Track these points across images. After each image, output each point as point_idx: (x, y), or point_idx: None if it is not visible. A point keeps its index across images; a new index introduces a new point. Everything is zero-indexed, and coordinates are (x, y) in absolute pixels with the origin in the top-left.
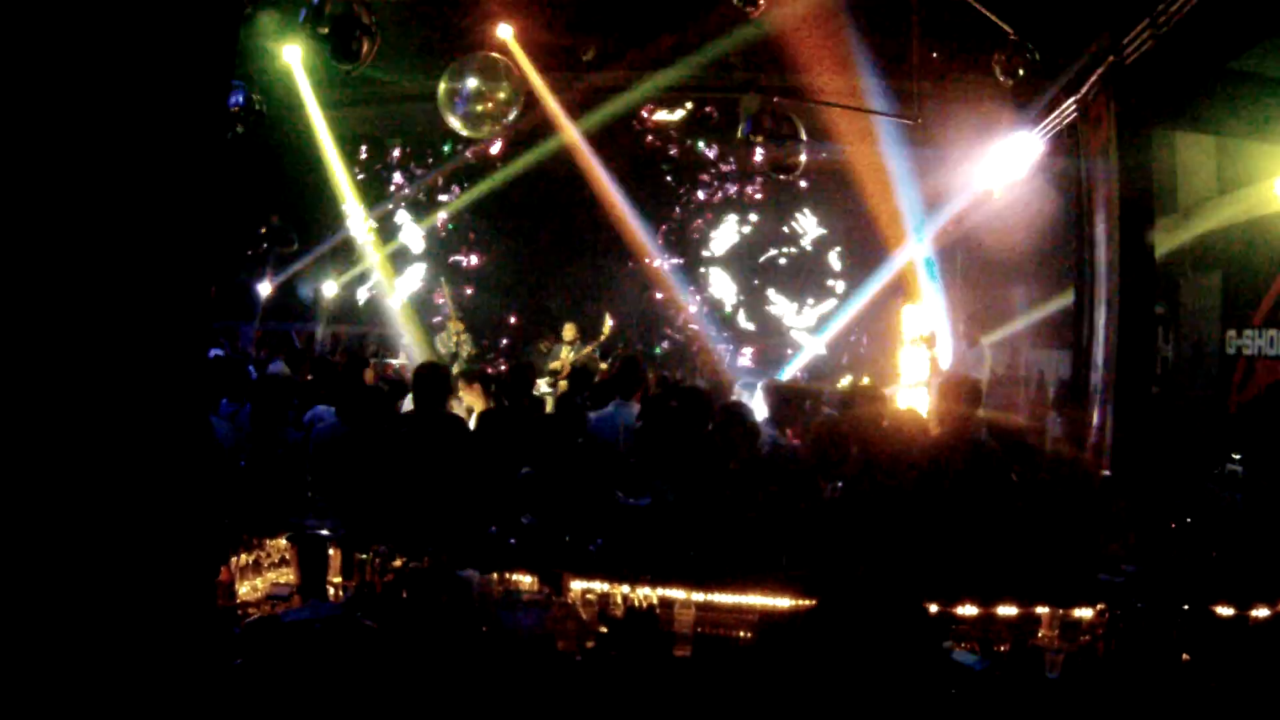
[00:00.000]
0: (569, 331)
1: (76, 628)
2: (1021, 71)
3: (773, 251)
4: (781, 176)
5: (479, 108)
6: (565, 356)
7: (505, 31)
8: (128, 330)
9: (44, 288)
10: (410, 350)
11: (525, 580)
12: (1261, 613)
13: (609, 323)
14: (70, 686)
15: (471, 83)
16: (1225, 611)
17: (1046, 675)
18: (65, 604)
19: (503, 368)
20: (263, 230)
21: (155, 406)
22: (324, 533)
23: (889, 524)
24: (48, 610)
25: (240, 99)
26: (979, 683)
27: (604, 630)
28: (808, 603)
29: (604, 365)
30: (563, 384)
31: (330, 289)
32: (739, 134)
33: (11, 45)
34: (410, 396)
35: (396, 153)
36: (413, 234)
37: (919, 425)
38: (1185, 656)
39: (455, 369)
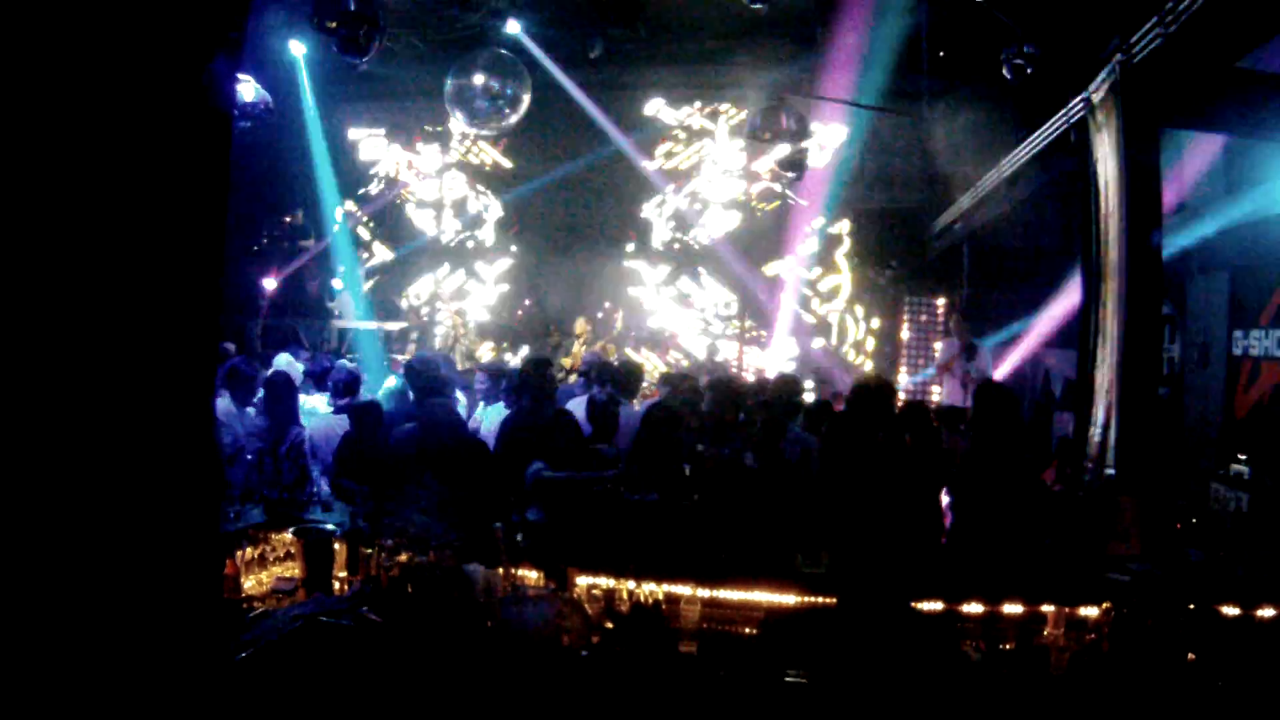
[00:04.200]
0: (580, 327)
1: (82, 619)
2: (1028, 70)
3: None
4: (790, 174)
5: (486, 104)
6: (576, 352)
7: (514, 27)
8: (135, 324)
9: (54, 283)
10: (418, 345)
11: (531, 576)
12: (1267, 613)
13: (620, 317)
14: (77, 678)
15: (479, 79)
16: (1231, 611)
17: (1052, 673)
18: (70, 596)
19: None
20: (285, 222)
21: (160, 400)
22: (329, 527)
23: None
24: (53, 603)
25: (250, 94)
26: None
27: (609, 626)
28: (814, 600)
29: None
30: (573, 379)
31: (336, 284)
32: (747, 130)
33: (19, 42)
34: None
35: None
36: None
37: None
38: (1191, 656)
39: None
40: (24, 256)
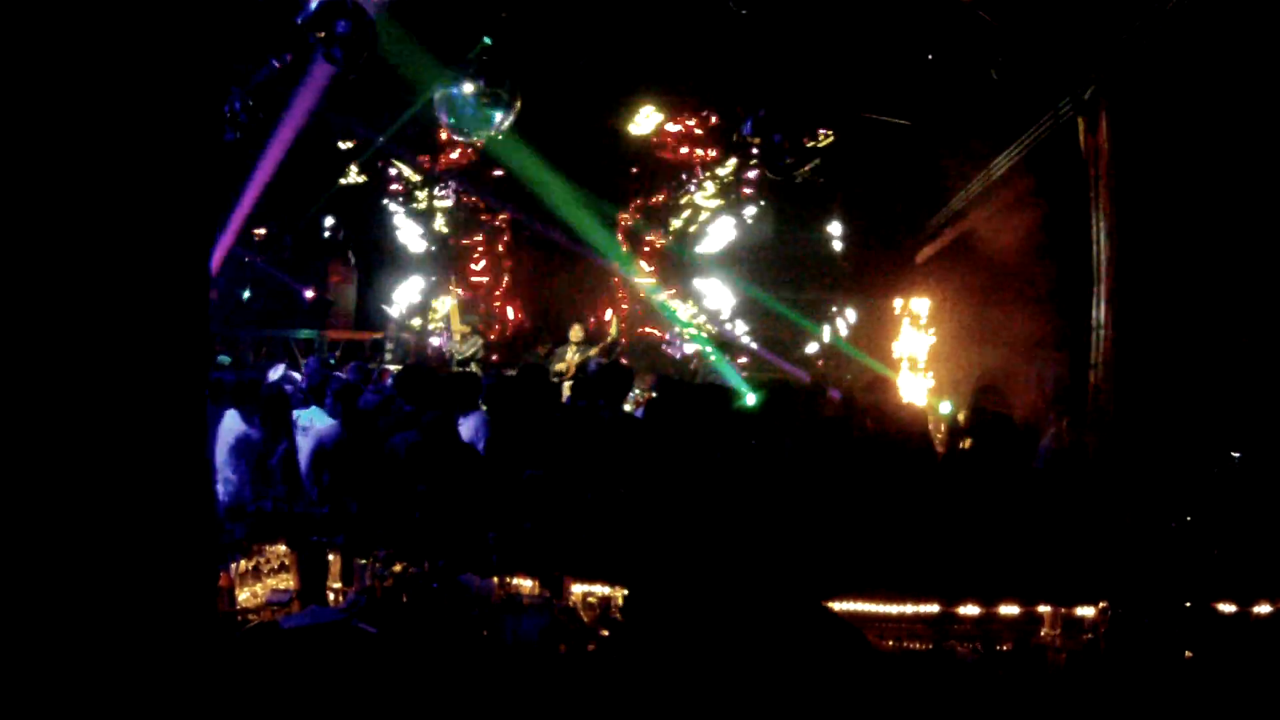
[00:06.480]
0: (575, 333)
1: (73, 633)
2: (1017, 70)
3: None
4: (780, 180)
5: (474, 111)
6: (570, 359)
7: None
8: (125, 334)
9: (42, 292)
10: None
11: (526, 584)
12: (1263, 609)
13: (616, 324)
14: (68, 693)
15: (467, 86)
16: (1227, 609)
17: (1049, 674)
18: (61, 609)
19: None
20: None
21: (154, 410)
22: (323, 538)
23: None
24: (44, 616)
25: (235, 104)
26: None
27: (605, 634)
28: None
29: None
30: (566, 386)
31: (308, 294)
32: (739, 135)
33: (7, 50)
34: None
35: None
36: (410, 236)
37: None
38: (1188, 654)
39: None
40: (16, 256)
